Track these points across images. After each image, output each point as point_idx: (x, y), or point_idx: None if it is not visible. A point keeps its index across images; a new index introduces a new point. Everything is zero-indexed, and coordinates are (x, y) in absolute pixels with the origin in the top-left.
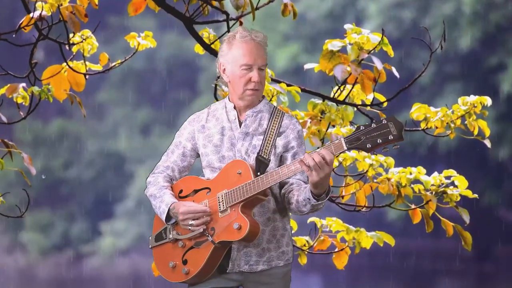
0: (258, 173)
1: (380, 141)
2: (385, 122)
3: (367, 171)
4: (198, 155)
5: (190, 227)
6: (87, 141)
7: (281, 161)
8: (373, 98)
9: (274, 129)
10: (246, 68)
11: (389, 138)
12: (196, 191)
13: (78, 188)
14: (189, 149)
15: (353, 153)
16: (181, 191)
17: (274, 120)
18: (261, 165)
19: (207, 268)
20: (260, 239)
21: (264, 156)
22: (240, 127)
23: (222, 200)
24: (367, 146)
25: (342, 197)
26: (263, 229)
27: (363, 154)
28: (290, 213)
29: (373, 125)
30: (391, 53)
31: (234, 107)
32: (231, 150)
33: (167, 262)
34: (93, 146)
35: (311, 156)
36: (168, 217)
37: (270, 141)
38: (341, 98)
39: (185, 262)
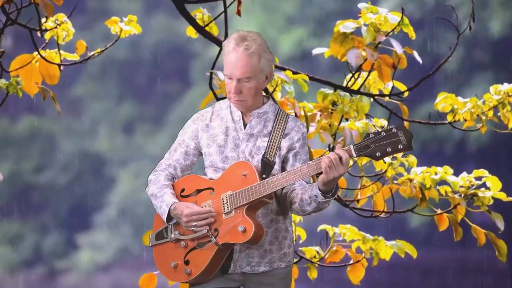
0: (263, 176)
1: (390, 150)
2: (395, 131)
3: (385, 171)
4: (200, 154)
5: (193, 228)
6: (61, 141)
7: (283, 161)
8: (392, 87)
9: (279, 131)
10: (228, 78)
11: (399, 147)
12: (199, 191)
13: (51, 195)
14: (192, 148)
15: None
16: (183, 190)
17: (279, 122)
18: (266, 167)
19: (210, 269)
20: (262, 241)
21: (269, 158)
22: (244, 128)
23: (227, 202)
24: (377, 155)
25: (358, 201)
26: (266, 230)
27: None
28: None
29: (383, 134)
30: (412, 35)
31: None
32: (234, 151)
33: (168, 262)
34: (68, 146)
35: (329, 155)
36: (169, 217)
37: (275, 143)
38: (355, 87)
39: (187, 263)
